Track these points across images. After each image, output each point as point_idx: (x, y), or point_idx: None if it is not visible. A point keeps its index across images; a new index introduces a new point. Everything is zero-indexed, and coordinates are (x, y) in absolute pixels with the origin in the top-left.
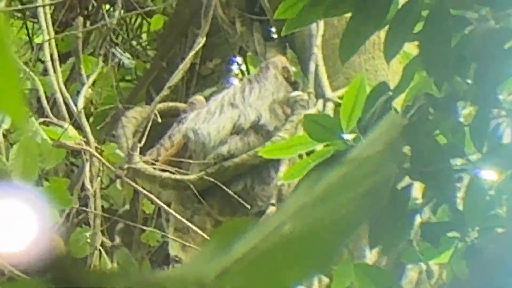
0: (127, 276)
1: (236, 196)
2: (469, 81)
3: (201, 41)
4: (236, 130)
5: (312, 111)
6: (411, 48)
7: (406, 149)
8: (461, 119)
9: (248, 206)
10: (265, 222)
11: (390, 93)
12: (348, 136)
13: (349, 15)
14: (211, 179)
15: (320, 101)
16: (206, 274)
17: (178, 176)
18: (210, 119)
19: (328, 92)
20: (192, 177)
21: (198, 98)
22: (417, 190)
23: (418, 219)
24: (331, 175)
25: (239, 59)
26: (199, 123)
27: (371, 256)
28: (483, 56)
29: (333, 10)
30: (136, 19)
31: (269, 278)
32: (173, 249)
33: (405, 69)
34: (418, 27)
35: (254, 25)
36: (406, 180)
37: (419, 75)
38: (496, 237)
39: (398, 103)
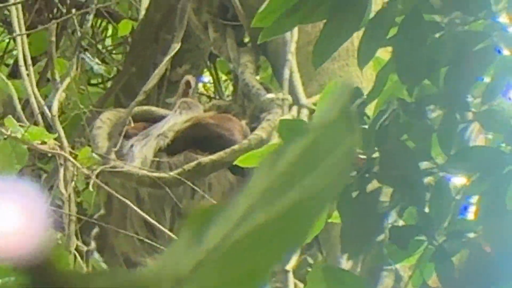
0: (103, 276)
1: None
2: (439, 85)
3: (176, 46)
4: None
5: (286, 117)
6: (383, 55)
7: (375, 153)
8: (430, 123)
9: None
10: (233, 206)
11: (364, 97)
12: None
13: (323, 22)
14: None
15: (295, 108)
16: (182, 268)
17: (155, 174)
18: None
19: (303, 99)
20: (169, 175)
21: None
22: (386, 194)
23: (387, 223)
24: (291, 151)
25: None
26: None
27: (346, 264)
28: (454, 60)
29: (309, 17)
30: (101, 23)
31: (244, 266)
32: None
33: (378, 74)
34: (392, 32)
35: (227, 31)
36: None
37: (391, 80)
38: (464, 241)
39: (370, 108)
